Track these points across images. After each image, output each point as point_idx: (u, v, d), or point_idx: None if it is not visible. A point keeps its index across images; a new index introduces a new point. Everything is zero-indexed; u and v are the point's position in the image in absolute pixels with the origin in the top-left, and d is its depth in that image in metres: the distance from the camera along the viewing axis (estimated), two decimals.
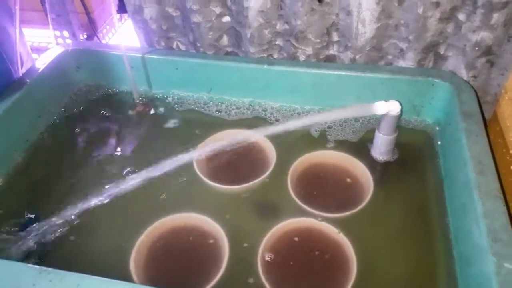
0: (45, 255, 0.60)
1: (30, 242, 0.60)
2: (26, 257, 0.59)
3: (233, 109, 0.83)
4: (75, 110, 0.86)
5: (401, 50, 0.76)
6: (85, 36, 1.18)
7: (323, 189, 0.69)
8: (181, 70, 0.83)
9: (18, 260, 0.57)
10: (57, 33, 1.07)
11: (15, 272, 0.48)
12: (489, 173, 0.57)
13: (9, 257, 0.58)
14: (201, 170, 0.70)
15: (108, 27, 1.29)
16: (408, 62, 0.77)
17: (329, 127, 0.78)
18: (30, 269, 0.48)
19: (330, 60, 0.81)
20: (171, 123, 0.82)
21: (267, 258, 0.58)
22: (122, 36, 0.79)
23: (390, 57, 0.78)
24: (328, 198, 0.67)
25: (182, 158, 0.69)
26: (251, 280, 0.57)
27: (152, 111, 0.85)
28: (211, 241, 0.62)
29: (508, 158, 0.64)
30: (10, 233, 0.62)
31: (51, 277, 0.47)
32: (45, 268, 0.48)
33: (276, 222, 0.62)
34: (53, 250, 0.61)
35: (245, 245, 0.61)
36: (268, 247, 0.60)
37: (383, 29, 0.74)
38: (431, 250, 0.60)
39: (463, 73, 0.75)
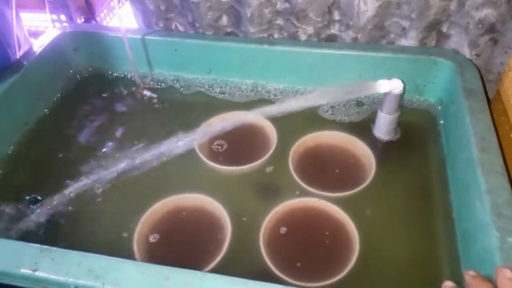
0: (46, 235, 0.60)
1: (31, 222, 0.60)
2: (27, 236, 0.59)
3: (236, 91, 0.82)
4: (73, 92, 0.85)
5: (403, 28, 0.75)
6: (83, 20, 1.16)
7: (325, 169, 0.69)
8: (180, 52, 0.82)
9: (19, 240, 0.57)
10: (54, 16, 1.05)
11: (16, 251, 0.48)
12: (493, 150, 0.56)
13: (10, 237, 0.58)
14: (202, 152, 0.70)
15: (106, 10, 1.27)
16: (410, 41, 0.76)
17: (332, 107, 0.77)
18: (32, 248, 0.48)
19: (331, 40, 0.80)
20: (171, 105, 0.82)
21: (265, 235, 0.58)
22: (120, 20, 0.77)
23: (392, 36, 0.77)
24: (330, 178, 0.67)
25: (183, 140, 0.69)
26: (253, 260, 0.57)
27: (151, 94, 0.84)
28: (214, 221, 0.62)
29: (511, 135, 0.64)
30: (10, 213, 0.62)
31: (52, 255, 0.47)
32: (46, 247, 0.48)
33: (278, 203, 0.62)
34: (54, 230, 0.61)
35: (247, 225, 0.60)
36: (270, 227, 0.60)
37: (385, 7, 0.72)
38: (433, 228, 0.60)
39: (466, 52, 0.74)
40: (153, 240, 0.60)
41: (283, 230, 0.60)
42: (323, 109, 0.77)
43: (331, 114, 0.77)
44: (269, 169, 0.68)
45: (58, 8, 1.03)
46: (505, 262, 0.45)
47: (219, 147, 0.72)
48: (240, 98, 0.81)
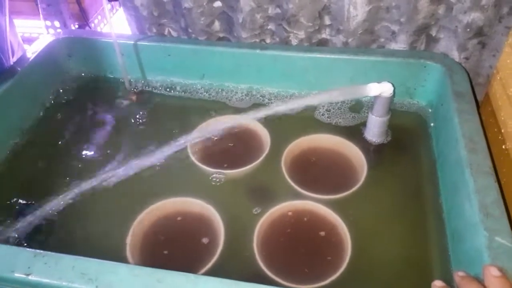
0: (39, 240, 0.60)
1: (25, 228, 0.60)
2: (20, 242, 0.59)
3: (232, 95, 0.83)
4: (67, 98, 0.86)
5: (393, 32, 0.76)
6: (77, 26, 1.17)
7: (318, 172, 0.70)
8: (173, 57, 0.83)
9: (12, 245, 0.57)
10: (48, 23, 1.06)
11: (10, 255, 0.48)
12: (481, 151, 0.57)
13: (3, 242, 0.58)
14: (195, 155, 0.70)
15: (99, 17, 1.28)
16: (400, 44, 0.77)
17: (327, 110, 0.78)
18: (25, 253, 0.48)
19: (322, 44, 0.81)
20: (165, 110, 0.82)
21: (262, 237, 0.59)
22: (114, 26, 0.78)
23: (382, 40, 0.78)
24: (322, 181, 0.68)
25: (177, 144, 0.69)
26: (246, 263, 0.57)
27: (144, 98, 0.84)
28: (207, 225, 0.62)
29: (500, 137, 0.65)
30: (4, 219, 0.62)
31: (46, 259, 0.47)
32: (39, 251, 0.48)
33: (271, 205, 0.62)
34: (48, 235, 0.61)
35: (240, 228, 0.61)
36: (263, 229, 0.60)
37: (374, 11, 0.73)
38: (424, 229, 0.61)
39: (455, 55, 0.75)
40: (147, 243, 0.60)
41: (276, 232, 0.61)
42: (319, 112, 0.78)
43: (327, 117, 0.77)
44: (262, 172, 0.69)
45: (52, 15, 1.04)
46: (493, 261, 0.45)
47: (212, 151, 0.73)
48: (235, 102, 0.82)
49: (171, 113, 0.82)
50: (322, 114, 0.78)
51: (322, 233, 0.60)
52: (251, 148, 0.73)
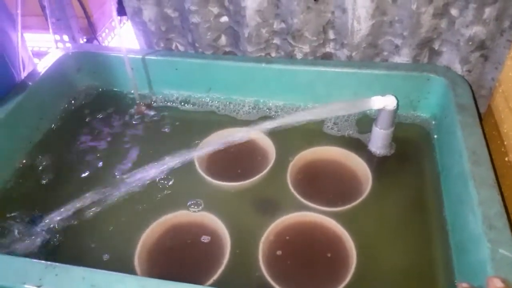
0: (50, 252, 0.61)
1: (35, 240, 0.61)
2: (32, 253, 0.60)
3: (240, 108, 0.84)
4: (76, 111, 0.87)
5: (396, 46, 0.77)
6: (85, 40, 1.19)
7: (323, 184, 0.71)
8: (180, 71, 0.84)
9: (23, 257, 0.58)
10: (57, 37, 1.08)
11: (22, 267, 0.49)
12: (484, 163, 0.58)
13: (15, 253, 0.59)
14: (202, 168, 0.72)
15: (107, 30, 1.30)
16: (403, 58, 0.78)
17: (335, 123, 0.79)
18: (37, 264, 0.49)
19: (326, 58, 0.83)
20: (172, 123, 0.83)
21: (268, 252, 0.59)
22: (122, 39, 0.80)
23: (385, 53, 0.79)
24: (327, 193, 0.68)
25: (184, 157, 0.70)
26: (252, 274, 0.58)
27: (153, 112, 0.86)
28: (213, 236, 0.63)
29: (503, 149, 0.66)
30: (15, 232, 0.63)
31: (56, 271, 0.48)
32: (50, 263, 0.49)
33: (276, 217, 0.63)
34: (58, 247, 0.62)
35: (246, 240, 0.62)
36: (269, 241, 0.61)
37: (378, 26, 0.75)
38: (428, 241, 0.61)
39: (458, 68, 0.76)
40: (154, 256, 0.61)
41: (281, 244, 0.61)
42: (327, 126, 0.79)
43: (337, 131, 0.78)
44: (267, 184, 0.70)
45: (61, 29, 1.06)
46: (497, 273, 0.46)
47: (218, 163, 0.73)
48: (243, 115, 0.83)
49: (179, 125, 0.83)
50: (331, 128, 0.79)
51: (327, 245, 0.61)
52: (257, 161, 0.74)
